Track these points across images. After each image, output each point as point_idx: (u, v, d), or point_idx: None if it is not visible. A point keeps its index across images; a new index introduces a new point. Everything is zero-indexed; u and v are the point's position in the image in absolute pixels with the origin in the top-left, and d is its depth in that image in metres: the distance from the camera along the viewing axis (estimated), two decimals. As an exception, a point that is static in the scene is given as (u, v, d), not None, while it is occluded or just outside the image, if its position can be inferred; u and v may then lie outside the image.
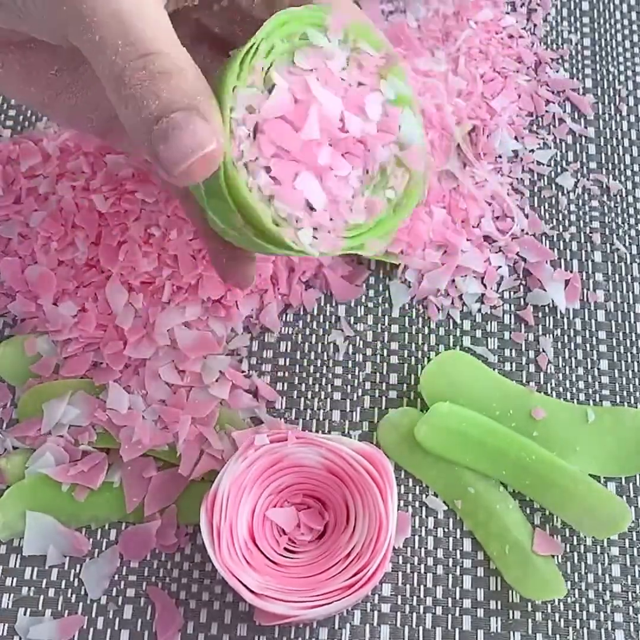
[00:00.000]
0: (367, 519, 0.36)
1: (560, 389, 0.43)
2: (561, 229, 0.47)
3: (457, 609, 0.39)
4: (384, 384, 0.43)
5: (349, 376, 0.43)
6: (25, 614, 0.38)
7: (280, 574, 0.36)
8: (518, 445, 0.40)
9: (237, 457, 0.36)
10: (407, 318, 0.45)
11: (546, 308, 0.45)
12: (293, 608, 0.34)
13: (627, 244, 0.47)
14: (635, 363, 0.44)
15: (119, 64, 0.27)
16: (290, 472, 0.37)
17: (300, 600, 0.34)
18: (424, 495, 0.41)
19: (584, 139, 0.50)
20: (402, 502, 0.40)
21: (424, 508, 0.40)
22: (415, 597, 0.39)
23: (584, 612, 0.38)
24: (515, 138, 0.49)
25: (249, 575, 0.35)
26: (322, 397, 0.43)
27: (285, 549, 0.37)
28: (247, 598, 0.34)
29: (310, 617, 0.35)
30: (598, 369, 0.43)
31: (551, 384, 0.43)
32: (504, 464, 0.40)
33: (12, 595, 0.39)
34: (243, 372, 0.43)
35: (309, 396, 0.43)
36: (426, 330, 0.44)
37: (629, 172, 0.48)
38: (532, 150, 0.49)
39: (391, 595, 0.39)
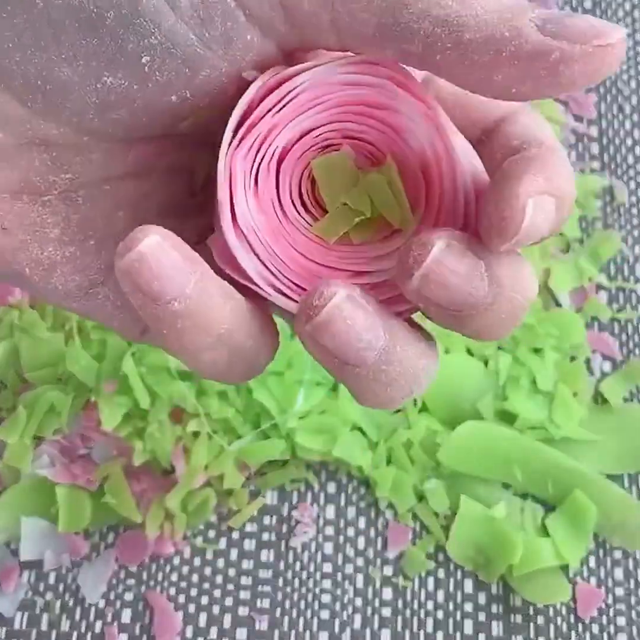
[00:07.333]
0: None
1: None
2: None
3: (459, 612, 0.38)
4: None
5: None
6: (23, 618, 0.38)
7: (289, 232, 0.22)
8: (540, 454, 0.39)
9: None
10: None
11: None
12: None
13: (629, 244, 0.46)
14: (638, 365, 0.43)
15: None
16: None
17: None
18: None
19: (586, 138, 0.49)
20: (400, 510, 0.40)
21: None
22: (416, 601, 0.39)
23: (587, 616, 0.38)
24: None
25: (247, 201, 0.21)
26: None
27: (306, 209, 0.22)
28: (225, 227, 0.21)
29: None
30: (601, 371, 0.43)
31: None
32: (528, 474, 0.39)
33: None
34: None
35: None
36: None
37: (632, 172, 0.48)
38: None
39: (392, 599, 0.39)
